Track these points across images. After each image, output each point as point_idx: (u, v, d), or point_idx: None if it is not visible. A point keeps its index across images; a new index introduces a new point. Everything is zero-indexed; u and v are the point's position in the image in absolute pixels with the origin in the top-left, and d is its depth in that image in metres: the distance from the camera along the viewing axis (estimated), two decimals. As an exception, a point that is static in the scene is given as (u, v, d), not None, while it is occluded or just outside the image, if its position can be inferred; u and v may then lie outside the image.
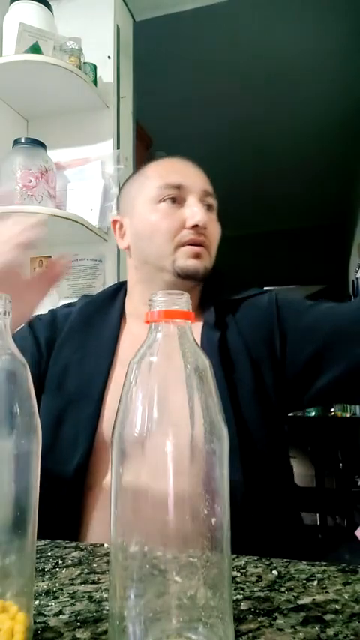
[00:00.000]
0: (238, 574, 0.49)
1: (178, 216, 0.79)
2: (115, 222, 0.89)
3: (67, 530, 0.71)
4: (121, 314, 0.87)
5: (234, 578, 0.48)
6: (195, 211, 0.78)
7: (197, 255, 0.79)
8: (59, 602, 0.42)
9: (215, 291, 0.86)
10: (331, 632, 0.37)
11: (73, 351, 0.82)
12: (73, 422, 0.76)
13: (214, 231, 0.82)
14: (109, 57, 1.73)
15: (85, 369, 0.80)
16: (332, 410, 3.83)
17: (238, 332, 0.78)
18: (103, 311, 0.88)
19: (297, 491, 0.81)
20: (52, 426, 0.76)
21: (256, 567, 0.51)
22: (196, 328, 0.78)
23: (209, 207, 0.82)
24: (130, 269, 0.89)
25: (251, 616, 0.39)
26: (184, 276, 0.79)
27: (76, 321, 0.86)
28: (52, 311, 0.94)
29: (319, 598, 0.43)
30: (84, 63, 1.62)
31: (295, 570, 0.50)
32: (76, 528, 0.73)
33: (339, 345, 0.73)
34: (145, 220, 0.82)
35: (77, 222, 1.49)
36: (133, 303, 0.87)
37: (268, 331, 0.78)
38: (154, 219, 0.80)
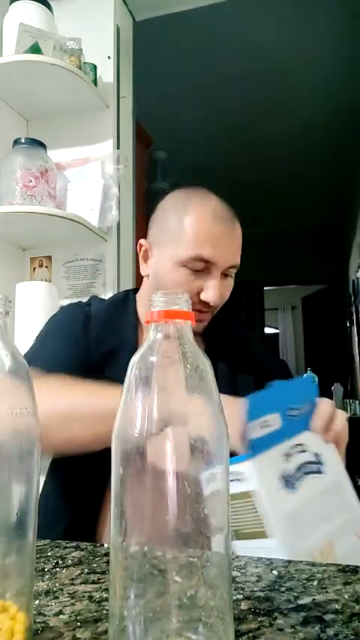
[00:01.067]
0: (238, 574, 0.49)
1: (195, 286, 0.81)
2: (141, 246, 0.90)
3: (85, 528, 0.73)
4: (136, 320, 0.90)
5: (234, 578, 0.48)
6: (211, 292, 0.80)
7: (199, 321, 0.83)
8: (59, 602, 0.42)
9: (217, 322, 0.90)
10: (331, 632, 0.37)
11: (108, 344, 0.85)
12: None
13: (225, 296, 0.85)
14: (109, 57, 1.73)
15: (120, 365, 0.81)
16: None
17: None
18: (120, 316, 0.91)
19: None
20: None
21: (256, 567, 0.51)
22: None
23: (225, 275, 0.84)
24: (145, 282, 0.92)
25: (251, 616, 0.39)
26: None
27: (101, 321, 0.88)
28: (78, 304, 0.95)
29: (319, 598, 0.43)
30: (84, 63, 1.62)
31: (295, 570, 0.50)
32: (93, 525, 0.74)
33: None
34: (165, 273, 0.84)
35: (77, 222, 1.49)
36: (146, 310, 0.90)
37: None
38: (173, 278, 0.82)
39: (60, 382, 0.71)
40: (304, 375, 3.85)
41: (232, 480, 0.54)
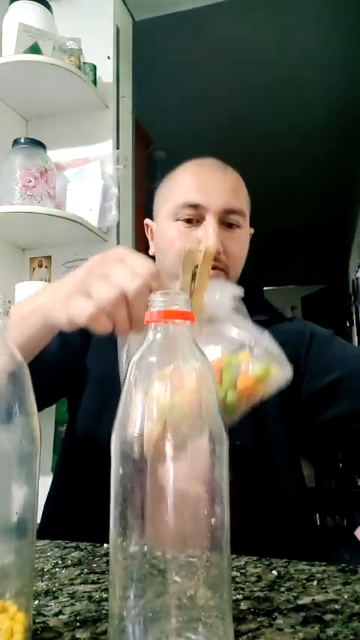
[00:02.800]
0: (238, 574, 0.49)
1: (192, 238, 0.76)
2: (147, 225, 0.88)
3: (96, 527, 0.72)
4: None
5: (234, 578, 0.48)
6: (207, 236, 0.75)
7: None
8: (59, 603, 0.42)
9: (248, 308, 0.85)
10: (330, 632, 0.37)
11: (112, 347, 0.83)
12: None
13: (235, 251, 0.78)
14: (108, 57, 1.73)
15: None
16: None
17: None
18: None
19: (307, 493, 0.83)
20: (95, 413, 0.77)
21: (256, 567, 0.51)
22: None
23: (230, 225, 0.78)
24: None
25: (251, 616, 0.39)
26: None
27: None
28: None
29: (319, 598, 0.43)
30: (83, 63, 1.62)
31: (295, 570, 0.50)
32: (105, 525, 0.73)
33: (353, 385, 0.75)
34: (163, 235, 0.81)
35: (77, 222, 1.49)
36: None
37: (295, 357, 0.80)
38: (170, 236, 0.79)
39: None
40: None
41: None
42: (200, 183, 0.78)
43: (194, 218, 0.77)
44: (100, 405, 0.79)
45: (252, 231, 0.88)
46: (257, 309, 0.83)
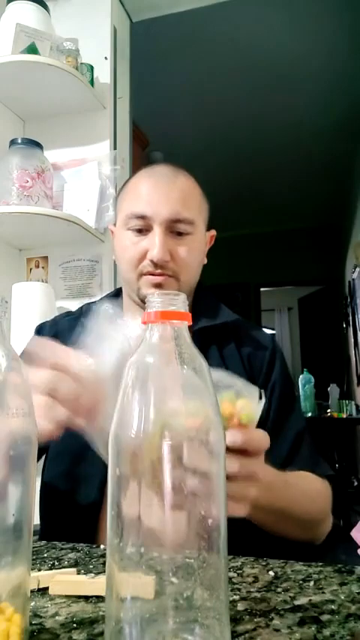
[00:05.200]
0: (235, 575, 0.49)
1: (140, 247, 0.79)
2: (111, 231, 0.90)
3: (84, 530, 0.72)
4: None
5: (230, 579, 0.48)
6: (151, 245, 0.77)
7: (158, 285, 0.78)
8: (55, 604, 0.42)
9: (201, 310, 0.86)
10: (327, 632, 0.37)
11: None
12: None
13: (184, 257, 0.80)
14: (105, 57, 1.73)
15: None
16: (328, 411, 3.83)
17: (237, 353, 0.84)
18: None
19: None
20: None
21: (253, 568, 0.51)
22: None
23: (180, 233, 0.80)
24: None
25: (248, 617, 0.39)
26: None
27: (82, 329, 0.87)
28: (54, 319, 0.95)
29: (316, 598, 0.43)
30: (81, 63, 1.62)
31: (292, 571, 0.50)
32: (94, 528, 0.73)
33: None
34: (118, 243, 0.84)
35: (74, 222, 1.49)
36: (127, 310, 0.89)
37: (259, 366, 0.84)
38: (122, 245, 0.81)
39: None
40: (301, 375, 3.85)
41: None
42: (147, 194, 0.80)
43: (143, 228, 0.79)
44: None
45: (213, 233, 0.89)
46: (211, 313, 0.86)
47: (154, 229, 0.78)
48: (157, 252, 0.76)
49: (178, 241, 0.80)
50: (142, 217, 0.78)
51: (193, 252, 0.81)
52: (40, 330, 0.91)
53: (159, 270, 0.78)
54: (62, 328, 0.89)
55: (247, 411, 0.51)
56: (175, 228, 0.79)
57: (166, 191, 0.79)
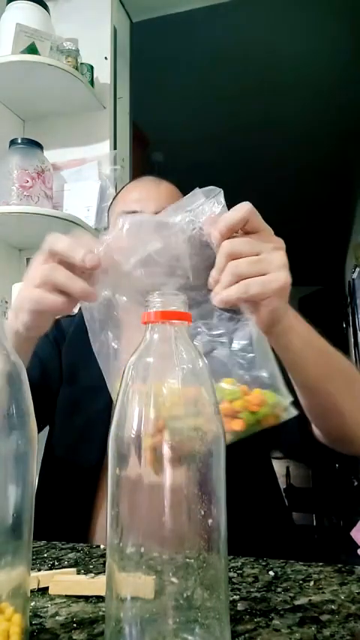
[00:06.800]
0: (235, 575, 0.49)
1: None
2: None
3: (78, 527, 0.73)
4: None
5: (230, 579, 0.48)
6: None
7: None
8: (55, 604, 0.42)
9: None
10: (327, 632, 0.37)
11: (83, 345, 0.84)
12: (87, 412, 0.79)
13: None
14: (105, 58, 1.73)
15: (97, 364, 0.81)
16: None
17: None
18: None
19: (280, 492, 0.85)
20: (66, 415, 0.80)
21: (253, 568, 0.51)
22: None
23: None
24: None
25: (248, 617, 0.39)
26: None
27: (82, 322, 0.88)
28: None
29: (316, 599, 0.43)
30: (81, 64, 1.62)
31: (292, 571, 0.50)
32: (86, 525, 0.73)
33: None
34: None
35: (74, 222, 1.48)
36: None
37: None
38: None
39: None
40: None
41: None
42: (136, 194, 0.87)
43: None
44: (71, 406, 0.82)
45: None
46: None
47: None
48: None
49: None
50: (132, 214, 0.83)
51: None
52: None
53: None
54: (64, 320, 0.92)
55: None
56: None
57: (153, 190, 0.87)
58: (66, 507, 0.75)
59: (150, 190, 0.87)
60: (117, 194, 0.95)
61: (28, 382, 0.37)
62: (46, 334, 0.87)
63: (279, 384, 0.55)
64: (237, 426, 0.52)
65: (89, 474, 0.73)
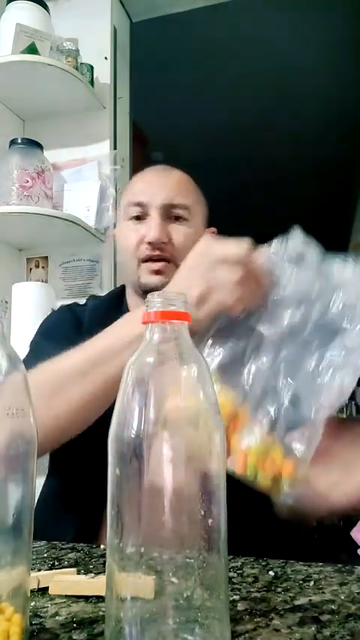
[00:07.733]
0: (235, 575, 0.49)
1: (139, 233, 0.81)
2: (114, 235, 0.93)
3: (87, 527, 0.72)
4: (128, 311, 0.90)
5: (230, 578, 0.48)
6: (148, 228, 0.80)
7: (157, 272, 0.80)
8: (55, 604, 0.42)
9: None
10: (327, 632, 0.37)
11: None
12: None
13: (181, 242, 0.81)
14: (105, 58, 1.73)
15: None
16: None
17: None
18: (114, 310, 0.89)
19: None
20: None
21: (253, 568, 0.51)
22: None
23: (177, 218, 0.83)
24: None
25: (248, 617, 0.39)
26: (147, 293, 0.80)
27: (92, 318, 0.88)
28: (68, 305, 0.96)
29: (316, 599, 0.43)
30: (81, 63, 1.62)
31: (292, 571, 0.50)
32: (96, 526, 0.73)
33: None
34: (118, 234, 0.88)
35: (74, 222, 1.49)
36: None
37: None
38: (122, 235, 0.85)
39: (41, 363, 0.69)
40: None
41: None
42: (144, 183, 0.86)
43: (141, 215, 0.83)
44: None
45: (213, 230, 0.90)
46: None
47: (150, 214, 0.82)
48: (154, 233, 0.79)
49: (176, 226, 0.83)
50: (140, 204, 0.82)
51: (191, 237, 0.82)
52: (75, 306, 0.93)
53: (157, 252, 0.80)
54: (78, 310, 0.91)
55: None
56: (171, 214, 0.83)
57: (161, 180, 0.85)
58: (75, 507, 0.75)
59: (157, 180, 0.85)
60: (127, 183, 0.93)
61: (28, 382, 0.37)
62: (70, 322, 0.88)
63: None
64: (236, 467, 0.52)
65: (101, 471, 0.72)
